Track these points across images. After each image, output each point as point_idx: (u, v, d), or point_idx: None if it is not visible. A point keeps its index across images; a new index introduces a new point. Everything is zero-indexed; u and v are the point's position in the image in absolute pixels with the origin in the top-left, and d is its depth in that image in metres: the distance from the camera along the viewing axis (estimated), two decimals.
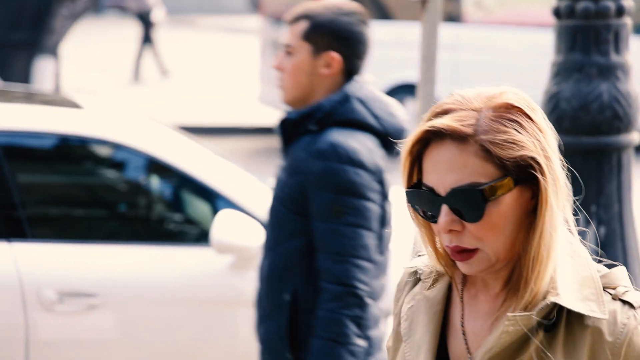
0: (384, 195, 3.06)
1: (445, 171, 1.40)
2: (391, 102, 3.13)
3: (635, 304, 1.44)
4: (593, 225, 3.41)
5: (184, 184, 4.78)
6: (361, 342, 2.98)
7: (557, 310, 1.44)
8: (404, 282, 1.62)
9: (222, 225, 4.22)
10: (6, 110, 4.76)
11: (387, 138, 3.02)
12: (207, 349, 4.18)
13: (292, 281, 3.03)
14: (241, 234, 4.22)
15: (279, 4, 11.90)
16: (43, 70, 11.63)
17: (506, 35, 11.31)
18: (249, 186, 4.71)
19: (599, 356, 1.43)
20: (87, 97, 5.40)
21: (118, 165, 4.99)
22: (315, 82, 3.04)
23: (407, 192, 1.45)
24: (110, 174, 5.10)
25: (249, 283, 4.13)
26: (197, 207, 4.84)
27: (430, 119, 1.42)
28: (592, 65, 3.45)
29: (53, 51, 11.88)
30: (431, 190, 1.41)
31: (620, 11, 3.47)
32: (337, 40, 3.04)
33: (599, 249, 3.23)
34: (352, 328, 2.95)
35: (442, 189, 1.39)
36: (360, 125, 3.04)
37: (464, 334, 1.50)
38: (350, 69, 3.06)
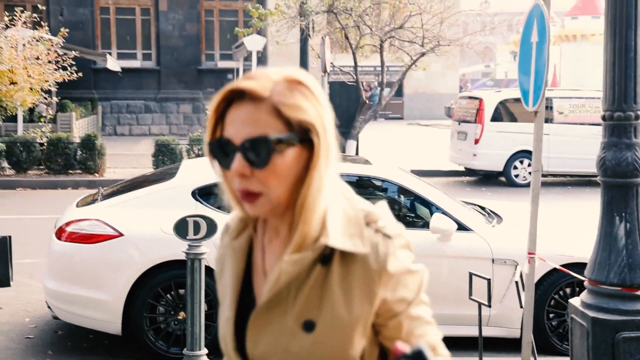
0: None
1: (242, 124, 1.16)
2: None
3: (391, 235, 1.21)
4: (623, 220, 3.60)
5: (417, 199, 5.06)
6: None
7: (331, 248, 1.19)
8: (225, 231, 1.33)
9: (435, 220, 4.66)
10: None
11: None
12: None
13: None
14: (444, 224, 4.66)
15: (459, 113, 14.02)
16: (351, 146, 13.11)
17: (575, 128, 12.71)
18: (447, 200, 5.05)
19: (368, 281, 1.18)
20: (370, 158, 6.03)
21: (386, 189, 5.18)
22: None
23: (209, 143, 1.20)
24: (383, 193, 5.17)
25: (448, 247, 4.71)
26: (423, 210, 5.08)
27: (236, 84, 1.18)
28: (622, 143, 3.64)
29: (355, 137, 13.30)
30: (229, 141, 1.17)
31: (637, 117, 3.64)
32: None
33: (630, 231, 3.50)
34: None
35: (238, 139, 1.16)
36: None
37: (265, 274, 1.24)
38: None
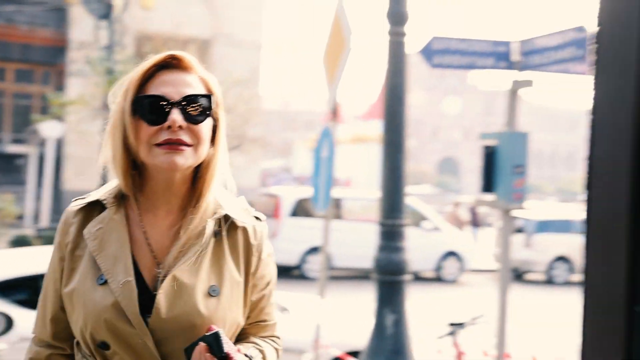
0: None
1: (180, 85, 1.32)
2: None
3: (262, 218, 1.45)
4: (391, 312, 4.02)
5: None
6: None
7: (219, 225, 1.37)
8: (71, 217, 1.39)
9: None
10: None
11: None
12: None
13: None
14: None
15: (259, 209, 14.08)
16: None
17: (362, 227, 13.39)
18: None
19: (248, 252, 1.39)
20: None
21: None
22: None
23: (136, 97, 1.33)
24: None
25: None
26: None
27: (158, 60, 1.35)
28: (391, 246, 4.04)
29: None
30: (163, 97, 1.31)
31: (402, 225, 4.08)
32: None
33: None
34: None
35: (177, 96, 1.31)
36: None
37: (149, 246, 1.35)
38: None
